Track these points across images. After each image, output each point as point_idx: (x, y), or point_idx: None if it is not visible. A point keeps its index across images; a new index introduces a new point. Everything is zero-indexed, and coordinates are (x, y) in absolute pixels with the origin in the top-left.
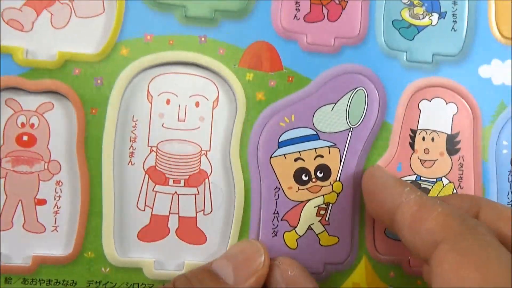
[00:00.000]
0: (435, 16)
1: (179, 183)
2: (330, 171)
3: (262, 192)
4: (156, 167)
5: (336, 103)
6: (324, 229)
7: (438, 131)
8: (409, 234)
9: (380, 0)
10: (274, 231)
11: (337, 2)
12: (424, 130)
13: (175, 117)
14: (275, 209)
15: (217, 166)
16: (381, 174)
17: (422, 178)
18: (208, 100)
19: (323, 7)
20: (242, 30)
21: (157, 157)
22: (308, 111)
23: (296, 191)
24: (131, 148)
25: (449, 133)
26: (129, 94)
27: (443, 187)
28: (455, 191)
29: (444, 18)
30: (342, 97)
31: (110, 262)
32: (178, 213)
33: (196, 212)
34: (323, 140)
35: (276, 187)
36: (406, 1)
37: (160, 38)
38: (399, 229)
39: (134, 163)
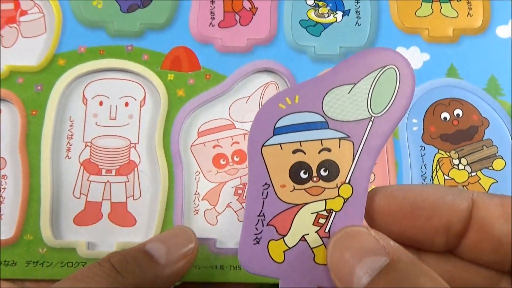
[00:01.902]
0: (339, 14)
1: (111, 172)
2: (338, 169)
3: (249, 190)
4: (90, 159)
5: (356, 84)
6: (322, 242)
7: None
8: (504, 224)
9: (287, 2)
10: (256, 238)
11: (248, 9)
12: None
13: (107, 116)
14: (261, 211)
15: (144, 156)
16: (408, 188)
17: None
18: (136, 100)
19: (236, 14)
20: (164, 38)
21: (91, 151)
22: (317, 91)
23: (291, 191)
24: (68, 144)
25: None
26: (66, 98)
27: None
28: None
29: (348, 15)
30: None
31: (46, 243)
32: (110, 199)
33: (127, 198)
34: (333, 129)
35: (266, 183)
36: (311, 3)
37: (92, 49)
38: (484, 227)
39: (70, 157)
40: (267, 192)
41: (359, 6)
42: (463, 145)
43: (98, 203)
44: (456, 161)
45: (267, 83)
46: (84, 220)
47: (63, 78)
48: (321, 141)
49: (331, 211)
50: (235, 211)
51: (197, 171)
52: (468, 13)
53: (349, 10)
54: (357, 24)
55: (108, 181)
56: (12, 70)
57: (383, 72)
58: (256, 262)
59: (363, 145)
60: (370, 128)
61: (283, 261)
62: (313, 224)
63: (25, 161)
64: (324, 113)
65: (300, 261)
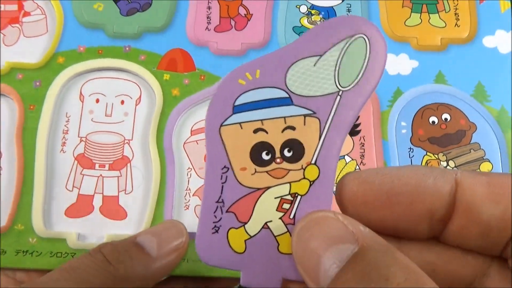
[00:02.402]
0: None
1: (104, 167)
2: (304, 149)
3: (207, 175)
4: (85, 154)
5: (322, 56)
6: (286, 230)
7: None
8: (493, 206)
9: (281, 9)
10: (215, 226)
11: (243, 15)
12: None
13: (103, 113)
14: (220, 196)
15: (138, 152)
16: (385, 172)
17: None
18: (132, 98)
19: (231, 20)
20: (161, 40)
21: (86, 145)
22: (280, 65)
23: (252, 174)
24: (63, 138)
25: None
26: (64, 94)
27: (346, 164)
28: (358, 167)
29: None
30: (333, 47)
31: (37, 233)
32: (102, 193)
33: (118, 192)
34: (298, 106)
35: (225, 167)
36: (304, 10)
37: (91, 49)
38: (469, 211)
39: (65, 151)
40: (226, 176)
41: (350, 14)
42: (451, 148)
43: (90, 196)
44: (444, 163)
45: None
46: (75, 212)
47: (62, 75)
48: (285, 119)
49: (296, 195)
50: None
51: (189, 168)
52: (456, 24)
53: None
54: None
55: (101, 175)
56: (12, 67)
57: (352, 41)
58: (215, 253)
59: (331, 122)
60: (338, 103)
61: (244, 251)
62: (276, 210)
63: (20, 154)
64: (288, 88)
65: (263, 250)
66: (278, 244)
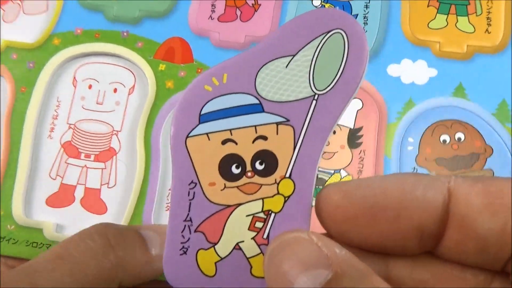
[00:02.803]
0: None
1: (90, 157)
2: (277, 161)
3: (174, 191)
4: (72, 142)
5: (294, 56)
6: (260, 251)
7: (341, 125)
8: (490, 219)
9: (292, 1)
10: (183, 247)
11: (250, 5)
12: None
13: (95, 100)
14: (188, 215)
15: (124, 145)
16: (368, 183)
17: (319, 169)
18: (125, 87)
19: (237, 9)
20: (161, 27)
21: (74, 133)
22: (249, 68)
23: (221, 190)
24: (52, 124)
25: (352, 127)
26: (57, 78)
27: (340, 179)
28: None
29: None
30: (306, 45)
31: (16, 221)
32: (85, 184)
33: (101, 185)
34: (269, 113)
35: (192, 182)
36: (317, 4)
37: (88, 32)
38: (465, 225)
39: (52, 137)
40: (194, 192)
41: (368, 12)
42: (460, 172)
43: (72, 187)
44: None
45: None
46: (56, 202)
47: (56, 58)
48: (255, 128)
49: (270, 212)
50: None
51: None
52: (487, 30)
53: (357, 15)
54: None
55: (85, 166)
56: (8, 45)
57: (328, 38)
58: (184, 275)
59: (306, 130)
60: (314, 108)
61: (215, 274)
62: (248, 229)
63: (7, 136)
64: (258, 93)
65: (234, 273)
66: (251, 267)
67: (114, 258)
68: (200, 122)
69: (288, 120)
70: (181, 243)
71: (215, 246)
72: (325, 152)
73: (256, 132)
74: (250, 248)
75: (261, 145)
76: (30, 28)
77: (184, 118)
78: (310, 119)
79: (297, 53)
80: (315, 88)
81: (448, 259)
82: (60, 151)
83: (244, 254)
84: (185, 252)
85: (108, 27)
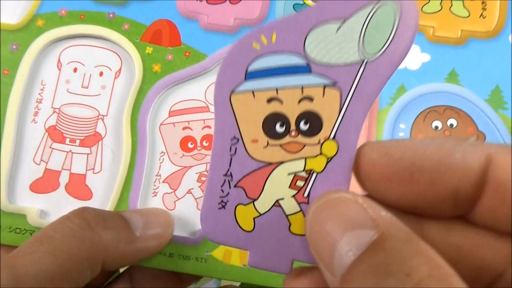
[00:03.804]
0: None
1: (75, 142)
2: (322, 123)
3: (215, 146)
4: (56, 126)
5: (345, 21)
6: (299, 209)
7: None
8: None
9: None
10: (222, 201)
11: None
12: None
13: (80, 83)
14: (228, 170)
15: (110, 129)
16: (408, 144)
17: None
18: (111, 70)
19: None
20: (148, 9)
21: (58, 117)
22: (299, 29)
23: (264, 147)
24: (36, 108)
25: None
26: (41, 60)
27: None
28: None
29: None
30: (358, 11)
31: None
32: (70, 170)
33: (87, 170)
34: (317, 74)
35: (234, 137)
36: None
37: (73, 13)
38: (501, 190)
39: (37, 122)
40: (236, 148)
41: None
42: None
43: (57, 172)
44: None
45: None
46: (40, 187)
47: (39, 40)
48: (302, 89)
49: (312, 172)
50: (195, 199)
51: (162, 152)
52: (481, 14)
53: None
54: None
55: (70, 150)
56: None
57: (379, 5)
58: (221, 229)
59: (353, 94)
60: (362, 73)
61: (252, 230)
62: (289, 187)
63: None
64: (307, 55)
65: (272, 230)
66: (290, 224)
67: (94, 237)
68: (246, 79)
69: (335, 83)
70: (220, 197)
71: (255, 202)
72: None
73: (302, 93)
74: (290, 206)
75: (306, 105)
76: (12, 8)
77: (230, 74)
78: (357, 83)
79: (348, 18)
80: (365, 53)
81: (481, 225)
82: (44, 136)
83: (284, 211)
84: (223, 207)
85: (94, 8)
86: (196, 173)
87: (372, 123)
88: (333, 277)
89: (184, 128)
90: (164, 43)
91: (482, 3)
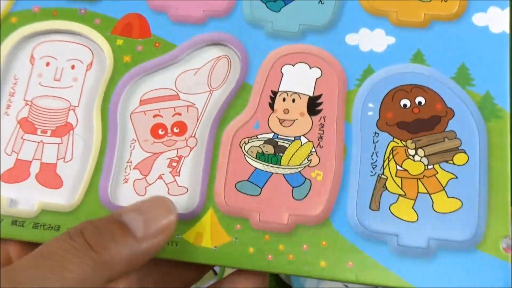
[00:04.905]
0: None
1: (46, 133)
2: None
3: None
4: (28, 118)
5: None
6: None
7: (300, 93)
8: None
9: None
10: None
11: None
12: (286, 92)
13: (52, 77)
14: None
15: (81, 119)
16: None
17: (279, 136)
18: (83, 63)
19: None
20: (118, 4)
21: (30, 109)
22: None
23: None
24: (9, 101)
25: (311, 95)
26: (14, 56)
27: (301, 145)
28: (314, 149)
29: None
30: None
31: None
32: (41, 160)
33: (57, 159)
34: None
35: (133, 139)
36: None
37: (45, 10)
38: None
39: (9, 114)
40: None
41: None
42: (422, 135)
43: (28, 162)
44: (412, 151)
45: (219, 56)
46: (11, 177)
47: (13, 36)
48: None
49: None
50: (166, 184)
51: (133, 139)
52: None
53: None
54: (320, 3)
55: (41, 141)
56: None
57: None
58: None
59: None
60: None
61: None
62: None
63: None
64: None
65: None
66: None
67: (96, 257)
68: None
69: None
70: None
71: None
72: (284, 120)
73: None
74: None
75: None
76: None
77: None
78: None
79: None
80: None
81: None
82: (16, 127)
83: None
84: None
85: (66, 5)
86: (167, 158)
87: (341, 103)
88: None
89: (154, 116)
90: (135, 35)
91: None
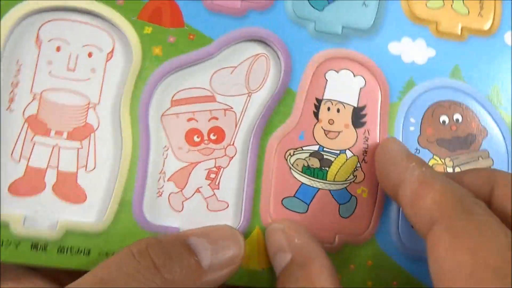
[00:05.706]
0: None
1: (62, 135)
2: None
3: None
4: (38, 116)
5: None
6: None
7: (344, 103)
8: (409, 211)
9: None
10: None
11: None
12: (330, 100)
13: (65, 65)
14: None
15: (105, 120)
16: (393, 147)
17: (325, 149)
18: (102, 51)
19: None
20: None
21: (40, 105)
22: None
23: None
24: (12, 93)
25: (356, 105)
26: (16, 36)
27: (346, 159)
28: (359, 164)
29: None
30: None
31: None
32: (58, 167)
33: (78, 168)
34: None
35: (165, 146)
36: None
37: None
38: (402, 205)
39: (13, 109)
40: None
41: None
42: (460, 153)
43: (42, 170)
44: (450, 169)
45: (258, 54)
46: (22, 189)
47: (14, 12)
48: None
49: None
50: (204, 198)
51: (165, 146)
52: (479, 13)
53: None
54: (364, 5)
55: (57, 144)
56: None
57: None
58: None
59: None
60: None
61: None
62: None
63: None
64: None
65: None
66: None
67: (160, 282)
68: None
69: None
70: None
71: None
72: (329, 131)
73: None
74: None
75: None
76: None
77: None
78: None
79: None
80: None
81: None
82: (24, 127)
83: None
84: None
85: None
86: (205, 169)
87: (384, 116)
88: None
89: (189, 120)
90: (165, 23)
91: (480, 2)
